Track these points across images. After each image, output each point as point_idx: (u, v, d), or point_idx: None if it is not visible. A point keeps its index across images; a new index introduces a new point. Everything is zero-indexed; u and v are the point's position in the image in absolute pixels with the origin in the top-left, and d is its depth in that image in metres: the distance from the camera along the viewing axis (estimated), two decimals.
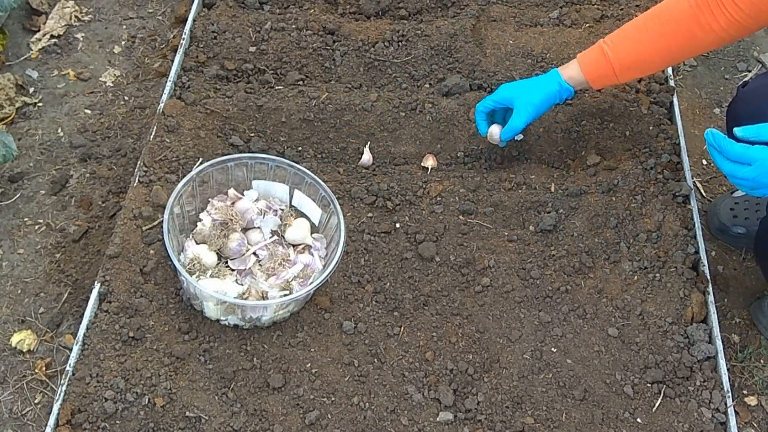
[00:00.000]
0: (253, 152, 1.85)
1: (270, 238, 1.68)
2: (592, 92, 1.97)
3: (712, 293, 1.69)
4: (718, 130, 1.39)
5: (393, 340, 1.62)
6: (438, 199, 1.82)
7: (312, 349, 1.59)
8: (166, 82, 1.98)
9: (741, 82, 1.76)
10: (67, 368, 1.52)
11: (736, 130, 1.36)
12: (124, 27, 2.30)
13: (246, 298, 1.58)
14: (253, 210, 1.69)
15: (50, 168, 1.96)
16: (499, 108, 1.79)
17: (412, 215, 1.80)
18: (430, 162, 1.89)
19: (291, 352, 1.58)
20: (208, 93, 1.97)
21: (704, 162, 2.08)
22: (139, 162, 1.80)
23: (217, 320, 1.59)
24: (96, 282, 1.61)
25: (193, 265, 1.61)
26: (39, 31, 2.23)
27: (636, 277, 1.70)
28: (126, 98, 2.12)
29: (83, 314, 1.59)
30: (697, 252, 1.73)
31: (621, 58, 1.63)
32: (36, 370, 1.63)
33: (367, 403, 1.53)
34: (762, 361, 1.75)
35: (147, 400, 1.48)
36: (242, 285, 1.61)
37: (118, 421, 1.47)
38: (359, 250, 1.73)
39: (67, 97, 2.11)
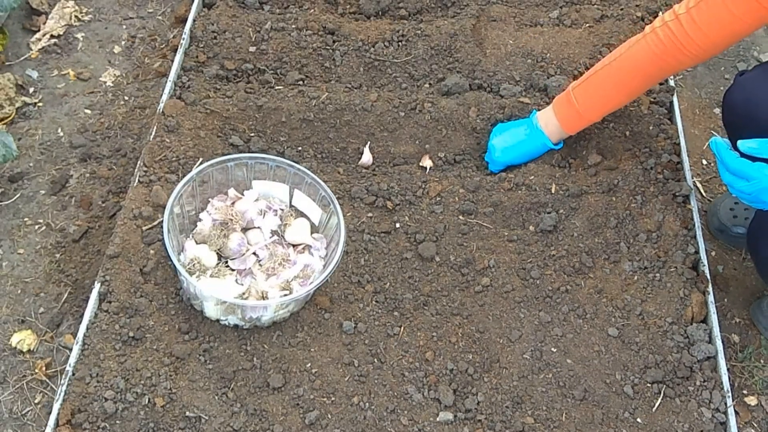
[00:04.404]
0: (253, 152, 1.85)
1: (270, 238, 1.68)
2: None
3: (712, 293, 1.69)
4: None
5: (393, 340, 1.62)
6: (438, 199, 1.82)
7: (312, 349, 1.59)
8: (166, 82, 1.98)
9: (739, 71, 1.78)
10: (67, 368, 1.52)
11: (740, 143, 1.37)
12: (124, 27, 2.30)
13: (246, 298, 1.58)
14: (253, 210, 1.69)
15: (50, 168, 1.96)
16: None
17: (412, 215, 1.80)
18: (427, 162, 1.89)
19: (291, 352, 1.58)
20: (208, 93, 1.97)
21: (704, 162, 2.08)
22: (139, 162, 1.80)
23: (217, 320, 1.59)
24: (96, 282, 1.62)
25: (193, 265, 1.61)
26: (39, 31, 2.23)
27: (636, 277, 1.70)
28: (126, 98, 2.12)
29: (83, 314, 1.59)
30: (697, 252, 1.73)
31: (595, 114, 1.77)
32: (36, 370, 1.63)
33: (367, 403, 1.53)
34: (762, 361, 1.75)
35: (147, 400, 1.48)
36: (242, 285, 1.61)
37: (118, 421, 1.47)
38: (359, 250, 1.73)
39: (67, 97, 2.11)
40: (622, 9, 2.20)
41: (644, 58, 1.62)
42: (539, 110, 1.85)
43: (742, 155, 1.40)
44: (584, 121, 1.78)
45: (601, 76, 1.70)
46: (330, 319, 1.63)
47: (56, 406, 1.48)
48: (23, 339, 1.66)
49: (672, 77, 2.07)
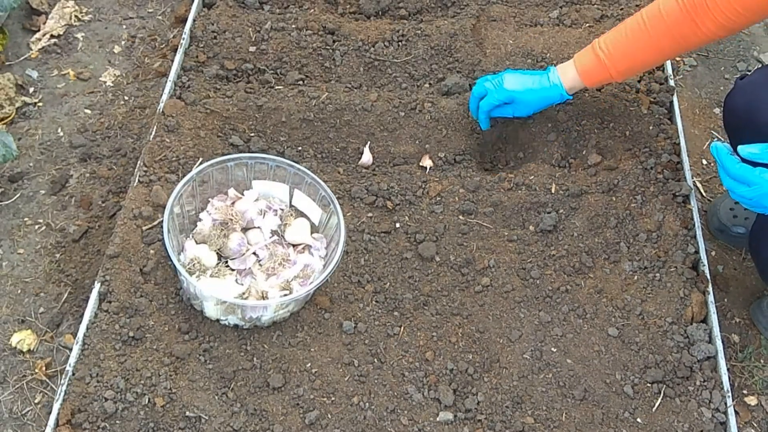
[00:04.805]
0: (253, 152, 1.85)
1: (270, 238, 1.68)
2: (592, 92, 1.97)
3: (712, 293, 1.69)
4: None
5: (393, 340, 1.62)
6: (438, 199, 1.82)
7: (312, 349, 1.59)
8: (166, 81, 1.98)
9: (739, 75, 1.78)
10: (67, 368, 1.52)
11: (741, 149, 1.37)
12: (124, 27, 2.30)
13: (246, 298, 1.58)
14: (253, 210, 1.69)
15: (50, 168, 1.96)
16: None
17: (412, 215, 1.80)
18: (427, 162, 1.89)
19: (291, 352, 1.58)
20: (208, 93, 1.97)
21: (704, 162, 2.08)
22: (139, 162, 1.81)
23: (217, 320, 1.59)
24: (96, 282, 1.62)
25: (193, 265, 1.61)
26: (39, 31, 2.23)
27: (636, 277, 1.70)
28: (126, 98, 2.12)
29: (83, 314, 1.59)
30: (697, 252, 1.73)
31: (618, 67, 1.70)
32: (36, 370, 1.63)
33: (367, 403, 1.53)
34: (762, 361, 1.75)
35: (147, 400, 1.48)
36: (242, 285, 1.61)
37: (118, 421, 1.47)
38: (359, 250, 1.73)
39: (67, 97, 2.11)
40: (622, 9, 2.20)
41: (676, 15, 1.58)
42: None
43: (743, 160, 1.39)
44: (605, 72, 1.70)
45: (628, 33, 1.66)
46: (330, 319, 1.63)
47: (56, 406, 1.48)
48: (23, 339, 1.66)
49: (672, 77, 2.07)
